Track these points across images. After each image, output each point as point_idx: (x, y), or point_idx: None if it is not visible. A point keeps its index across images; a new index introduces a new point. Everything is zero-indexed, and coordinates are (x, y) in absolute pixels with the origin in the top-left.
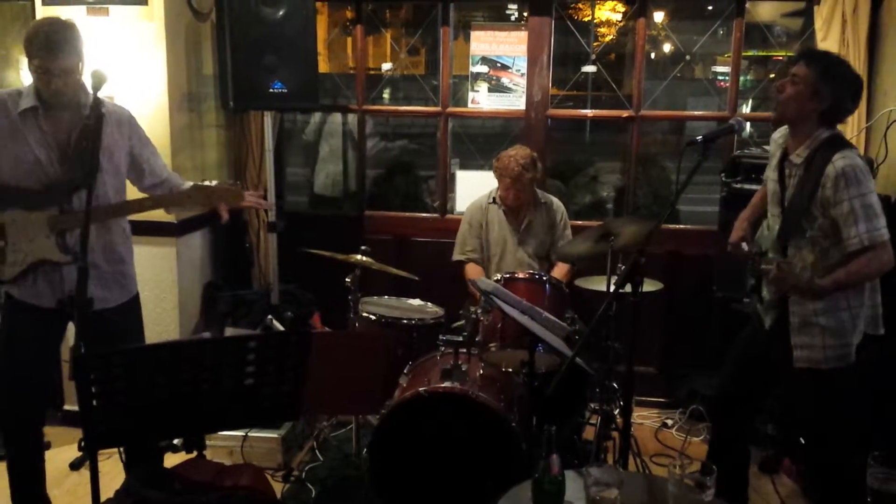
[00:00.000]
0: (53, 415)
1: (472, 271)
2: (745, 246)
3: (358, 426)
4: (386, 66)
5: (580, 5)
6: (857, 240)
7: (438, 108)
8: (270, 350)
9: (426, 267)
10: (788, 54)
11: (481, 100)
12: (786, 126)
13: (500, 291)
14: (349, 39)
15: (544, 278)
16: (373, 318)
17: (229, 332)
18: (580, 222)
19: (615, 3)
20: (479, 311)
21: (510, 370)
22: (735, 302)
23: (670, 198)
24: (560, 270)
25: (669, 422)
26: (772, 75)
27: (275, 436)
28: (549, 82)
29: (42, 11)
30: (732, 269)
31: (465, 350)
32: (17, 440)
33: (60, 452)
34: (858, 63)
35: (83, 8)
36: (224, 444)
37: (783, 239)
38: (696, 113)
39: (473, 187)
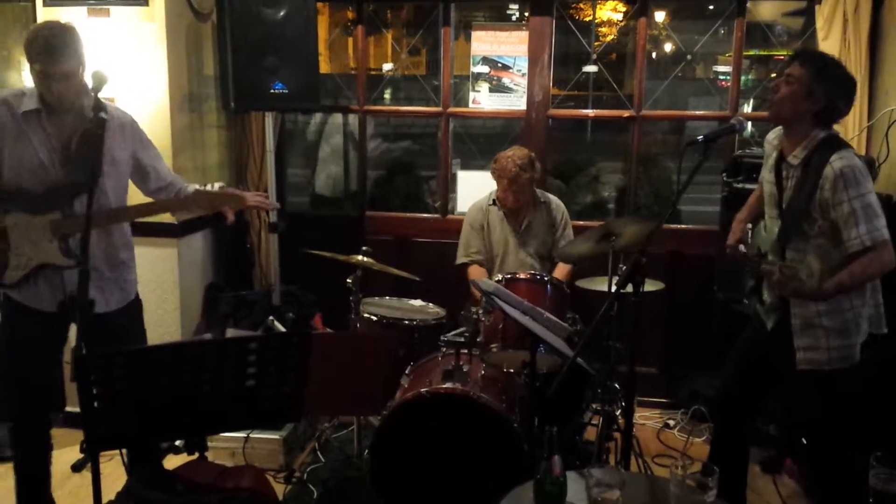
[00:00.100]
0: (55, 416)
1: (475, 272)
2: (742, 248)
3: (359, 427)
4: (387, 66)
5: (581, 5)
6: (858, 241)
7: (439, 109)
8: (272, 351)
9: (427, 267)
10: (790, 54)
11: (482, 100)
12: (780, 127)
13: (502, 292)
14: (350, 40)
15: (545, 279)
16: (374, 318)
17: (230, 333)
18: (581, 222)
19: (616, 2)
20: (480, 311)
21: (512, 371)
22: (736, 302)
23: (671, 198)
24: (561, 271)
25: (671, 422)
26: (773, 75)
27: (276, 437)
28: (550, 82)
29: (43, 12)
30: (734, 270)
31: (466, 351)
32: (24, 442)
33: (62, 454)
34: (859, 62)
35: (84, 9)
36: (225, 446)
37: (783, 241)
38: (697, 113)
39: (474, 188)
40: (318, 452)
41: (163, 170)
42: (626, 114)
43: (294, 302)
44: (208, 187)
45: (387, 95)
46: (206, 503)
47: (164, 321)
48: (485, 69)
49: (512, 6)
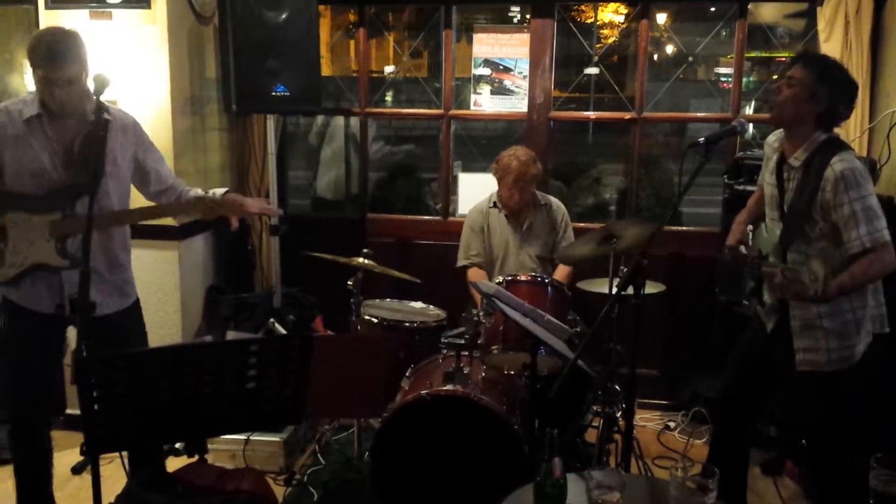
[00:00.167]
0: (55, 419)
1: (475, 275)
2: (742, 249)
3: (360, 429)
4: (388, 68)
5: (583, 7)
6: (859, 242)
7: (441, 111)
8: (272, 353)
9: (428, 270)
10: (791, 55)
11: (484, 102)
12: (781, 129)
13: (502, 294)
14: (352, 42)
15: (546, 281)
16: (375, 321)
17: (231, 335)
18: (583, 224)
19: (618, 4)
20: (481, 313)
21: (512, 373)
22: (737, 304)
23: (673, 199)
24: (561, 272)
25: (672, 424)
26: (774, 77)
27: (277, 439)
28: (551, 84)
29: (45, 15)
30: (735, 272)
31: (467, 353)
32: (23, 444)
33: (62, 456)
34: (861, 64)
35: (86, 12)
36: (226, 448)
37: (785, 243)
38: (698, 115)
39: (476, 190)
40: (319, 455)
41: (164, 172)
42: (627, 116)
43: (295, 304)
44: (211, 193)
45: (388, 98)
46: None
47: (164, 323)
48: (486, 71)
49: (513, 8)
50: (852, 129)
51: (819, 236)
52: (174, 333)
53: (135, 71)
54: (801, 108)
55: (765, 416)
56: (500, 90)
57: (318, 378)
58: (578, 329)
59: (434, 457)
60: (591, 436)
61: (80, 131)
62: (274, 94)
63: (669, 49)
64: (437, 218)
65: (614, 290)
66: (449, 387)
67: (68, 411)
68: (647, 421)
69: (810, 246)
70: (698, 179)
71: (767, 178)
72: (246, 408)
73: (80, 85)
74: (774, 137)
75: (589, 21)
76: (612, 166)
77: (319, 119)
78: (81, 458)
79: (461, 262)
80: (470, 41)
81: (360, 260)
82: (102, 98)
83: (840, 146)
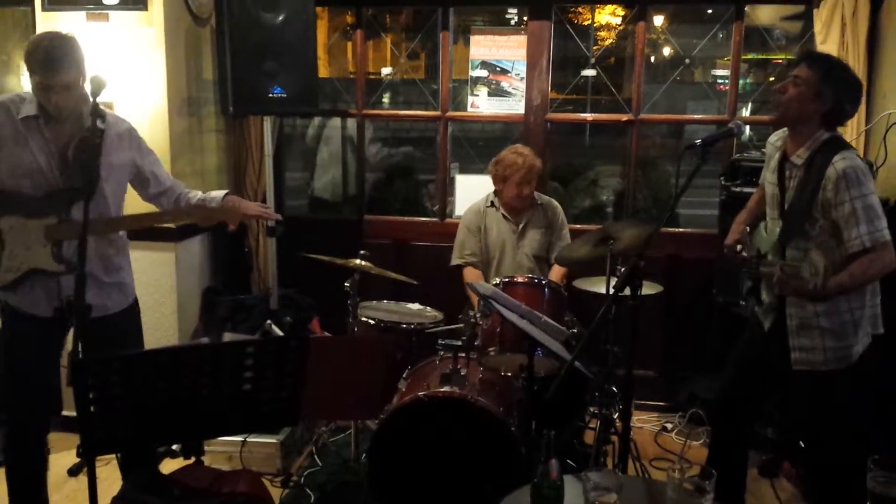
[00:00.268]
0: (52, 420)
1: (471, 275)
2: (741, 249)
3: (357, 431)
4: (386, 70)
5: (580, 9)
6: (859, 241)
7: (438, 113)
8: (269, 355)
9: (425, 271)
10: (788, 57)
11: (481, 104)
12: (783, 129)
13: (499, 295)
14: (349, 44)
15: (543, 282)
16: (372, 322)
17: (228, 337)
18: (580, 226)
19: (615, 6)
20: (477, 315)
21: (509, 374)
22: (735, 305)
23: (670, 201)
24: (556, 273)
25: (669, 425)
26: (771, 78)
27: (273, 441)
28: (548, 86)
29: (42, 17)
30: (732, 273)
31: (464, 354)
32: (17, 447)
33: (59, 458)
34: (858, 66)
35: (83, 13)
36: (223, 450)
37: (784, 241)
38: (695, 116)
39: (473, 191)
40: (316, 456)
41: (162, 175)
42: (624, 117)
43: (292, 306)
44: (211, 195)
45: (385, 99)
46: None
47: (161, 325)
48: (483, 73)
49: (511, 10)
50: (848, 131)
51: (818, 234)
52: (171, 335)
53: (131, 72)
54: (807, 107)
55: (762, 417)
56: (497, 92)
57: (315, 379)
58: (575, 330)
59: (431, 458)
60: (588, 437)
61: (76, 135)
62: (271, 95)
63: (666, 51)
64: (434, 219)
65: (611, 292)
66: (446, 388)
67: (65, 413)
68: (644, 422)
69: (809, 243)
70: (695, 181)
71: (769, 176)
72: (242, 409)
73: (77, 90)
74: (777, 136)
75: (586, 23)
76: (609, 168)
77: (316, 121)
78: (78, 459)
79: (455, 261)
80: (467, 43)
81: (357, 261)
82: (99, 99)
83: (842, 145)
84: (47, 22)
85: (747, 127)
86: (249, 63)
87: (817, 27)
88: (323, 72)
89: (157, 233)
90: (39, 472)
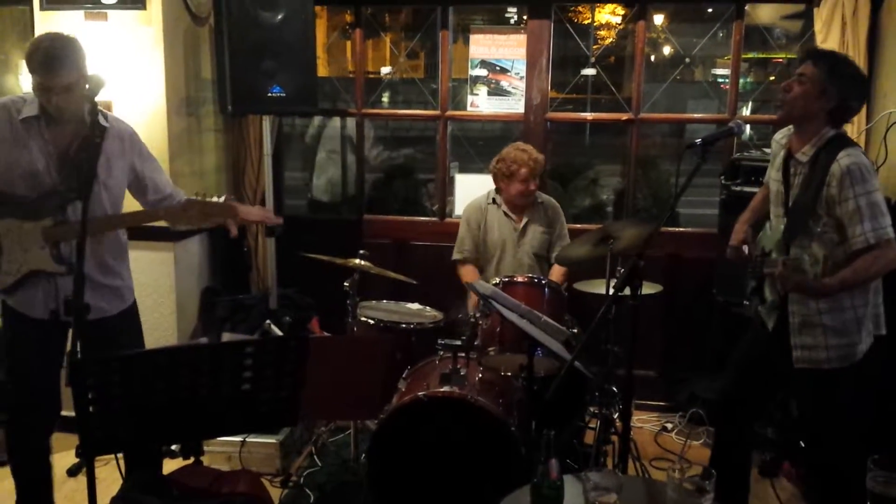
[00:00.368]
0: (56, 421)
1: (466, 272)
2: (745, 248)
3: (356, 431)
4: (385, 69)
5: (580, 8)
6: (863, 238)
7: (437, 112)
8: (268, 355)
9: (425, 271)
10: (788, 56)
11: (480, 103)
12: (788, 126)
13: (499, 295)
14: (348, 43)
15: (543, 282)
16: (371, 322)
17: (227, 337)
18: (579, 225)
19: (615, 5)
20: (477, 314)
21: (509, 374)
22: (735, 305)
23: (670, 200)
24: (556, 273)
25: (669, 425)
26: (772, 77)
27: (273, 441)
28: (548, 85)
29: (40, 16)
30: (732, 273)
31: (463, 354)
32: (21, 448)
33: (58, 458)
34: (858, 65)
35: (81, 12)
36: (222, 450)
37: (788, 238)
38: (695, 115)
39: (472, 191)
40: (315, 456)
41: (161, 182)
42: (624, 117)
43: (291, 305)
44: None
45: (385, 99)
46: None
47: (160, 325)
48: (483, 72)
49: (510, 9)
50: (849, 131)
51: (823, 232)
52: (170, 335)
53: (130, 72)
54: (812, 104)
55: (762, 417)
56: (496, 91)
57: (315, 379)
58: (575, 330)
59: (431, 458)
60: (588, 437)
61: (78, 136)
62: (270, 94)
63: (666, 50)
64: (433, 219)
65: (611, 292)
66: (446, 388)
67: (64, 413)
68: (644, 422)
69: (813, 241)
70: (695, 181)
71: (773, 174)
72: (242, 409)
73: (78, 91)
74: (782, 134)
75: (586, 22)
76: (609, 167)
77: (316, 120)
78: (77, 459)
79: (454, 256)
80: (466, 42)
81: (357, 261)
82: (97, 99)
83: (847, 142)
84: (45, 21)
85: (747, 126)
86: (248, 62)
87: (817, 26)
88: (322, 71)
89: (156, 233)
90: (44, 473)
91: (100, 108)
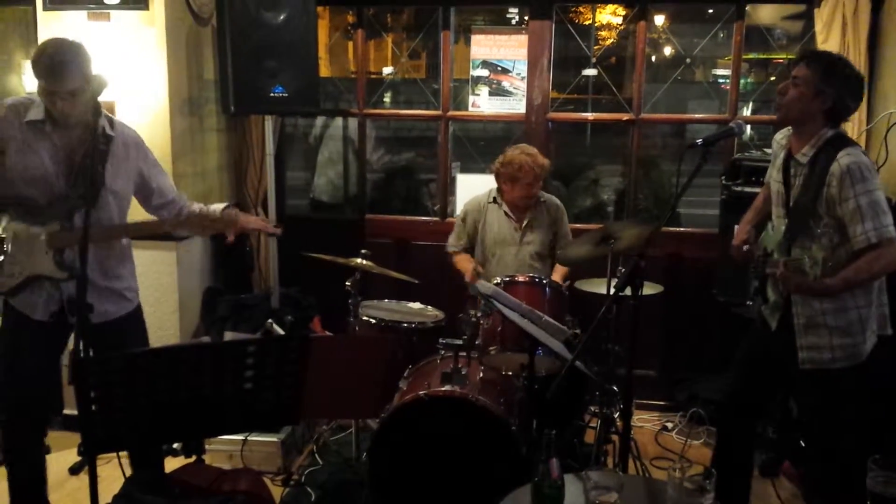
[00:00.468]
0: (53, 419)
1: (461, 259)
2: (747, 248)
3: (358, 430)
4: (387, 70)
5: (581, 9)
6: (864, 237)
7: (439, 112)
8: (270, 354)
9: (426, 270)
10: (789, 57)
11: (482, 103)
12: (788, 127)
13: (500, 295)
14: (350, 43)
15: (544, 282)
16: (373, 321)
17: (229, 336)
18: (580, 225)
19: (616, 6)
20: (478, 314)
21: (510, 374)
22: (736, 305)
23: (671, 201)
24: (558, 273)
25: (669, 425)
26: (772, 78)
27: (274, 440)
28: (549, 86)
29: (43, 16)
30: (733, 273)
31: (465, 353)
32: (15, 447)
33: (60, 457)
34: (859, 65)
35: (84, 13)
36: (223, 449)
37: (790, 239)
38: (696, 116)
39: (474, 190)
40: (317, 455)
41: (166, 187)
42: (625, 117)
43: (293, 305)
44: (212, 208)
45: (387, 99)
46: None
47: (162, 324)
48: (484, 73)
49: (511, 10)
50: (849, 131)
51: (824, 232)
52: (172, 334)
53: (133, 72)
54: (808, 106)
55: (763, 417)
56: (498, 91)
57: (316, 378)
58: (576, 330)
59: (432, 457)
60: (588, 436)
61: (83, 141)
62: (272, 95)
63: (667, 50)
64: (435, 219)
65: (612, 291)
66: (447, 387)
67: (66, 411)
68: (644, 422)
69: (815, 241)
70: (696, 181)
71: (774, 174)
72: (243, 408)
73: (84, 96)
74: (782, 135)
75: (587, 22)
76: (610, 167)
77: (318, 120)
78: (79, 458)
79: (448, 249)
80: (468, 42)
81: (359, 261)
82: (100, 99)
83: (847, 142)
84: (48, 21)
85: (748, 126)
86: (250, 62)
87: (818, 27)
88: (324, 71)
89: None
90: (39, 472)
91: (106, 113)
